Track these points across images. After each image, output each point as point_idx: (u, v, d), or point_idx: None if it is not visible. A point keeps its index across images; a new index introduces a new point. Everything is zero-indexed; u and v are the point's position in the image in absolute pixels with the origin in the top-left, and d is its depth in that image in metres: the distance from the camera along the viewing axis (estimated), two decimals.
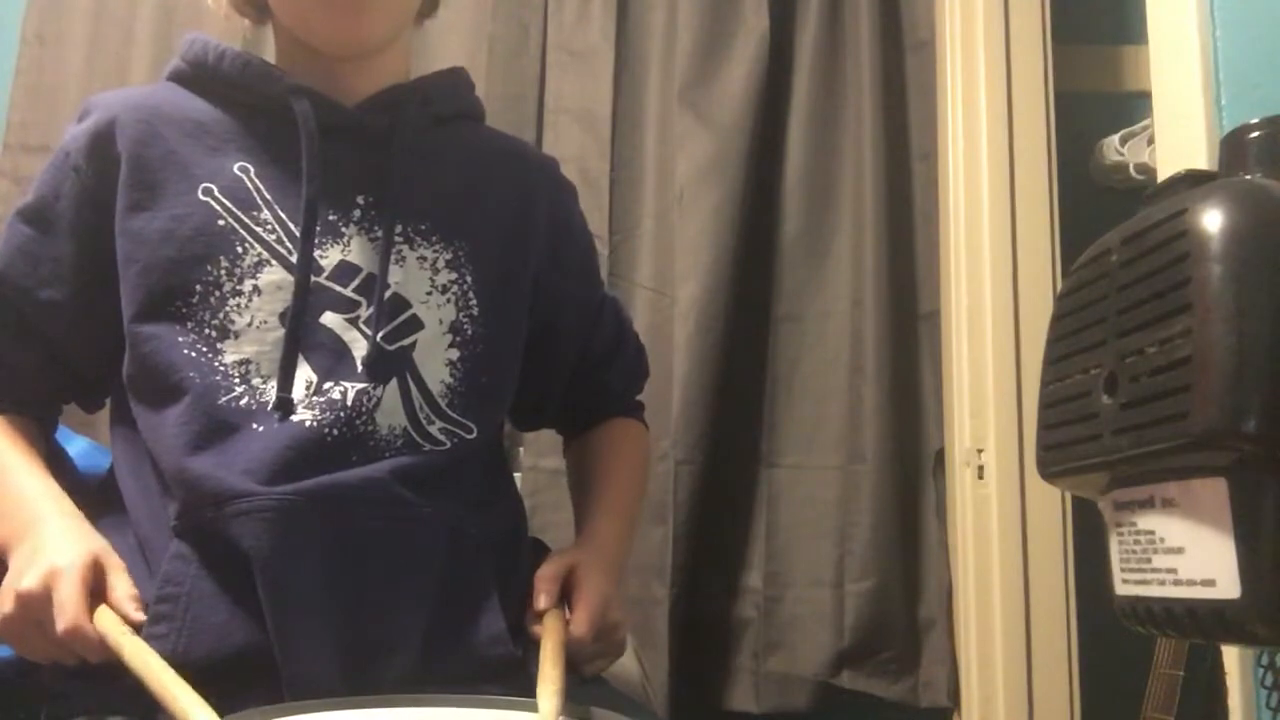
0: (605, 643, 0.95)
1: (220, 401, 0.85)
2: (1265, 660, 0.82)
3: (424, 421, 0.89)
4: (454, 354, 0.92)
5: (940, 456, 1.76)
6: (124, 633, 0.77)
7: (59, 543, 0.82)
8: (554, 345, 1.06)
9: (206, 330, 0.86)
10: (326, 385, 0.86)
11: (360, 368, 0.88)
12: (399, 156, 0.94)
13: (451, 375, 0.92)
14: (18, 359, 0.93)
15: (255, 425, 0.84)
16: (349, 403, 0.86)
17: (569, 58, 1.91)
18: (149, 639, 0.79)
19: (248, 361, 0.86)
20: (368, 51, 0.96)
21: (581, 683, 0.94)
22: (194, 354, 0.86)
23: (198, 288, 0.87)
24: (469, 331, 0.93)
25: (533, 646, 0.90)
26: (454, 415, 0.91)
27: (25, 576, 0.79)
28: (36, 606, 0.79)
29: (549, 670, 0.78)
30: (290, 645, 0.80)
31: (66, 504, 0.87)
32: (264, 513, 0.81)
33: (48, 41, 1.89)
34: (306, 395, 0.86)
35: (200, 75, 0.95)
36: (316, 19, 0.93)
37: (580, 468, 1.14)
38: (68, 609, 0.77)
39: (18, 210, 0.93)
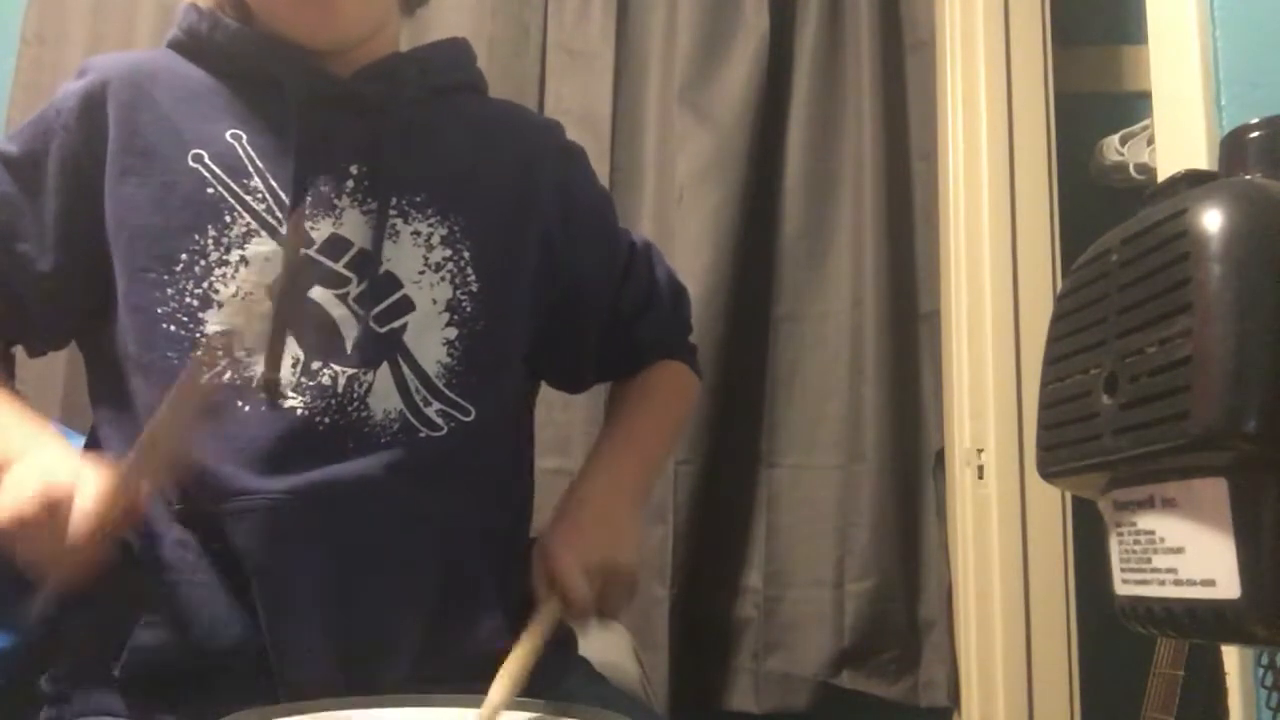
0: (608, 590, 0.91)
1: (203, 380, 0.83)
2: (1265, 660, 0.82)
3: (421, 404, 0.88)
4: (451, 333, 0.91)
5: (940, 456, 1.76)
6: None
7: (74, 457, 0.80)
8: (580, 307, 1.04)
9: (188, 299, 0.85)
10: (315, 366, 0.85)
11: (350, 350, 0.86)
12: (394, 127, 0.93)
13: (449, 355, 0.90)
14: None
15: (241, 404, 0.83)
16: (339, 389, 0.85)
17: (569, 58, 1.91)
18: (145, 626, 0.79)
19: (231, 333, 0.85)
20: (345, 46, 0.95)
21: (585, 682, 0.94)
22: (173, 327, 0.85)
23: (183, 256, 0.86)
24: (468, 309, 0.92)
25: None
26: (452, 396, 0.89)
27: (50, 473, 0.75)
28: (59, 500, 0.74)
29: (511, 661, 0.77)
30: (285, 646, 0.80)
31: (60, 439, 0.86)
32: (260, 512, 0.80)
33: (48, 41, 1.89)
34: (294, 375, 0.84)
35: (195, 44, 0.94)
36: (288, 16, 0.92)
37: (609, 411, 1.11)
38: (95, 495, 0.73)
39: (1, 155, 0.91)
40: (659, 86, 1.92)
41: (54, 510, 0.73)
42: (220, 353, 0.80)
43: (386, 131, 0.93)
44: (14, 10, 1.90)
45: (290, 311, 0.85)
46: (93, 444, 0.92)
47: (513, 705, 0.73)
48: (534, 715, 0.71)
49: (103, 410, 0.91)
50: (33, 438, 0.84)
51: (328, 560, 0.82)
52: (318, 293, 0.87)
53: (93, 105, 0.90)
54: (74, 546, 0.73)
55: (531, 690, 0.76)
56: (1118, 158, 1.81)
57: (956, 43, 1.78)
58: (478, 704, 0.72)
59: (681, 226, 1.83)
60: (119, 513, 0.75)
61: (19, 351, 0.97)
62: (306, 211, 0.88)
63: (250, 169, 0.89)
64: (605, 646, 1.23)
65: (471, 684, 0.78)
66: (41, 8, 1.90)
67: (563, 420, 1.70)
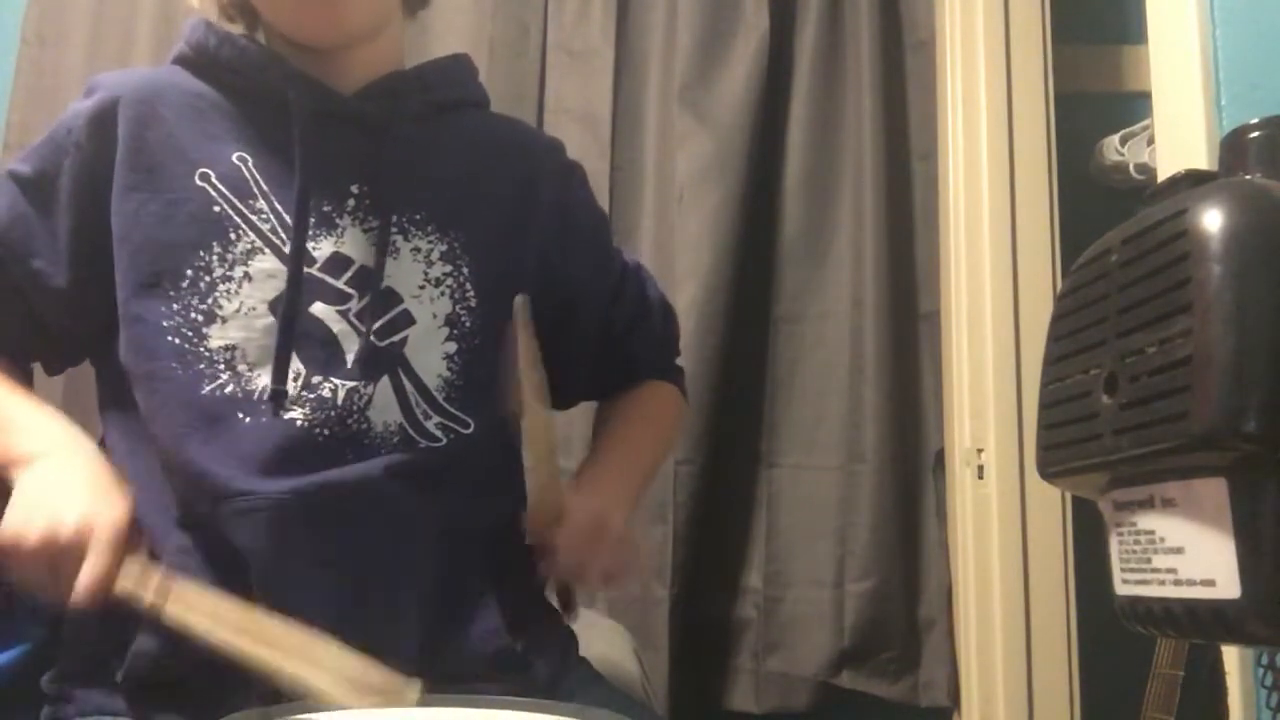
0: (606, 550, 0.93)
1: (204, 391, 0.84)
2: (1265, 660, 0.82)
3: (420, 417, 0.89)
4: (451, 347, 0.91)
5: (940, 456, 1.76)
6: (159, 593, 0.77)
7: (93, 484, 0.80)
8: (572, 325, 1.05)
9: (193, 314, 0.86)
10: (315, 380, 0.86)
11: (351, 364, 0.87)
12: (395, 145, 0.94)
13: (449, 369, 0.91)
14: None
15: (242, 415, 0.84)
16: (339, 401, 0.86)
17: (569, 58, 1.91)
18: (147, 630, 0.79)
19: (234, 347, 0.85)
20: (347, 43, 0.95)
21: (586, 682, 0.94)
22: (177, 340, 0.85)
23: (188, 272, 0.87)
24: (467, 324, 0.92)
25: (534, 644, 0.90)
26: (451, 410, 0.90)
27: (59, 514, 0.76)
28: (61, 551, 0.75)
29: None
30: None
31: (75, 430, 0.87)
32: (260, 512, 0.81)
33: (48, 42, 1.89)
34: (295, 388, 0.85)
35: (201, 60, 0.94)
36: (293, 15, 0.93)
37: (598, 426, 1.13)
38: (98, 572, 0.75)
39: (14, 175, 0.92)
40: (659, 86, 1.92)
41: (55, 566, 0.75)
42: None
43: (387, 150, 0.93)
44: (14, 11, 1.90)
45: (292, 327, 0.86)
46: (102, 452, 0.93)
47: (512, 706, 0.73)
48: (534, 715, 0.71)
49: (110, 417, 0.92)
50: (50, 439, 0.85)
51: (329, 560, 0.82)
52: (319, 308, 0.88)
53: (103, 123, 0.90)
54: (76, 578, 0.75)
55: (532, 690, 0.76)
56: (1118, 158, 1.81)
57: (956, 43, 1.78)
58: (479, 705, 0.72)
59: (681, 226, 1.83)
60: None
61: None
62: (309, 231, 0.89)
63: (255, 190, 0.89)
64: (605, 646, 1.23)
65: (470, 684, 0.78)
66: (41, 8, 1.90)
67: (563, 420, 1.70)
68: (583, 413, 1.71)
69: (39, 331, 0.93)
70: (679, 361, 1.18)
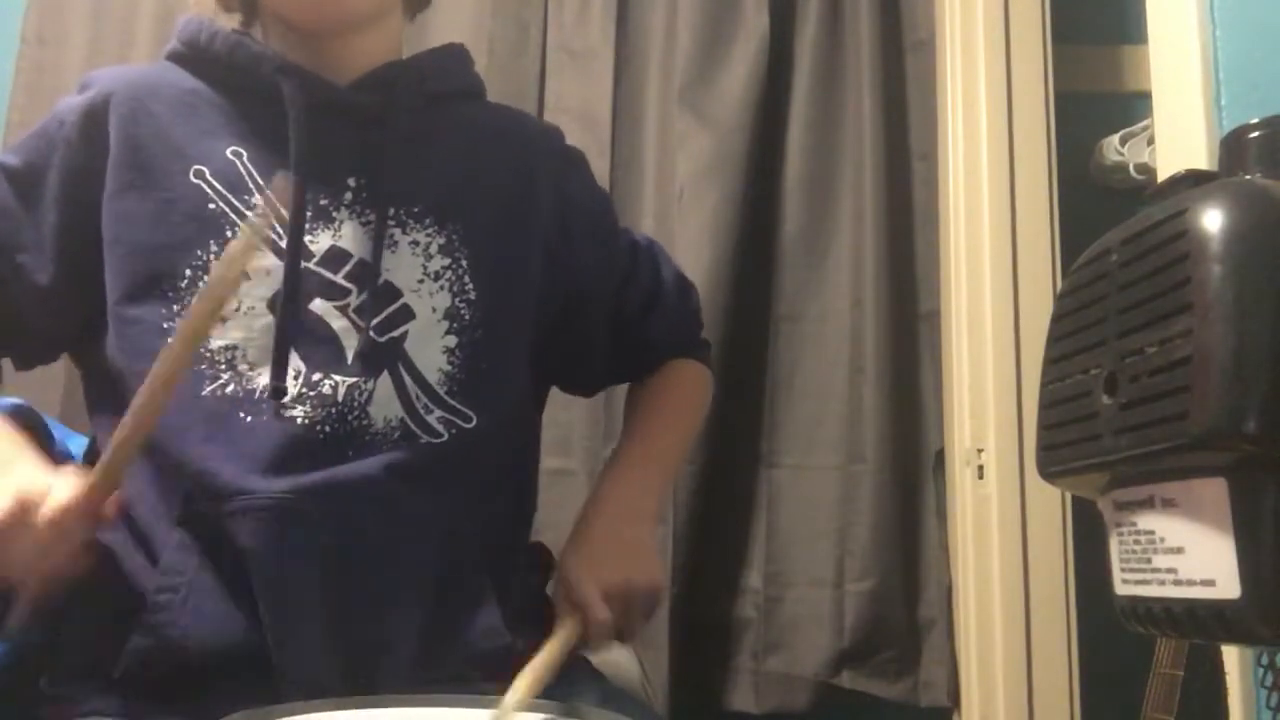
0: (629, 611, 0.93)
1: (205, 392, 0.84)
2: (1265, 660, 0.82)
3: (422, 411, 0.88)
4: (451, 341, 0.91)
5: (940, 456, 1.76)
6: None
7: (50, 471, 0.79)
8: (584, 311, 1.05)
9: None
10: (316, 377, 0.86)
11: (351, 360, 0.87)
12: (392, 136, 0.93)
13: (450, 363, 0.91)
14: None
15: (244, 415, 0.84)
16: (340, 398, 0.85)
17: (569, 58, 1.91)
18: (144, 629, 0.79)
19: (234, 347, 0.85)
20: (349, 27, 0.95)
21: (586, 681, 0.94)
22: None
23: (186, 271, 0.86)
24: (466, 317, 0.92)
25: (535, 643, 0.90)
26: (453, 404, 0.90)
27: (25, 480, 0.75)
28: (32, 501, 0.74)
29: (530, 668, 0.78)
30: (285, 645, 0.80)
31: (38, 455, 0.85)
32: (261, 512, 0.81)
33: (48, 42, 1.89)
34: (296, 386, 0.85)
35: (194, 55, 0.94)
36: None
37: (625, 415, 1.12)
38: (70, 493, 0.74)
39: (1, 167, 0.91)
40: (659, 86, 1.92)
41: (28, 509, 0.73)
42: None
43: (384, 142, 0.93)
44: (14, 11, 1.90)
45: (292, 324, 0.86)
46: (92, 454, 0.92)
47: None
48: (533, 715, 0.71)
49: (101, 419, 0.92)
50: (9, 454, 0.84)
51: (329, 558, 0.82)
52: (318, 305, 0.88)
53: (95, 119, 0.90)
54: (51, 547, 0.74)
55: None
56: (1118, 158, 1.81)
57: (956, 42, 1.78)
58: (479, 704, 0.72)
59: (681, 226, 1.83)
60: (95, 509, 0.76)
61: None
62: (306, 225, 0.88)
63: (250, 185, 0.89)
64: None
65: (470, 683, 0.78)
66: (41, 9, 1.90)
67: (563, 420, 1.70)
68: (582, 412, 1.72)
69: (15, 326, 0.92)
70: (704, 335, 1.17)
